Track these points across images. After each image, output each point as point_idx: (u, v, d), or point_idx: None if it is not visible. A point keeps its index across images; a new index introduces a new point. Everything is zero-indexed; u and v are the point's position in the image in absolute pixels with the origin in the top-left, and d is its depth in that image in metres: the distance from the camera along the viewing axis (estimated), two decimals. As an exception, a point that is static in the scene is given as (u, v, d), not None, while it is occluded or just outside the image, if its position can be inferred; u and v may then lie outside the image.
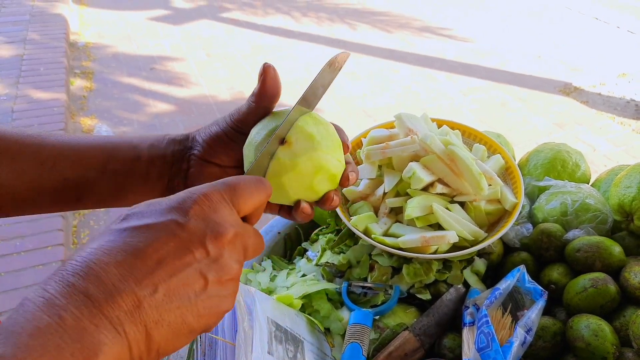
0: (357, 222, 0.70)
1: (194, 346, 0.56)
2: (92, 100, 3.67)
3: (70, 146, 0.47)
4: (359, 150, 0.79)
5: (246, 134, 0.47)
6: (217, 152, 0.48)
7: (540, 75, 4.01)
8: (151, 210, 0.32)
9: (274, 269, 0.80)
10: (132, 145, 0.48)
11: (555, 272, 0.68)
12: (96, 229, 2.52)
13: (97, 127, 3.28)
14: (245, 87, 3.82)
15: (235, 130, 0.48)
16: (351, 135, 0.81)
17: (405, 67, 4.12)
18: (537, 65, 4.15)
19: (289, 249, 0.88)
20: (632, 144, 3.17)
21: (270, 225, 0.87)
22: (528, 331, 0.59)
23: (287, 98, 3.71)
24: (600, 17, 5.13)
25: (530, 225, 0.75)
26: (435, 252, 0.66)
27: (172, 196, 0.33)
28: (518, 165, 0.90)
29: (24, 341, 0.25)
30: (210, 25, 4.90)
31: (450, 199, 0.72)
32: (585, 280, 0.64)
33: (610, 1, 5.42)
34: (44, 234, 2.26)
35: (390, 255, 0.73)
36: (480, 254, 0.73)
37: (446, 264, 0.72)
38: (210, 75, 4.01)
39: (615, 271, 0.65)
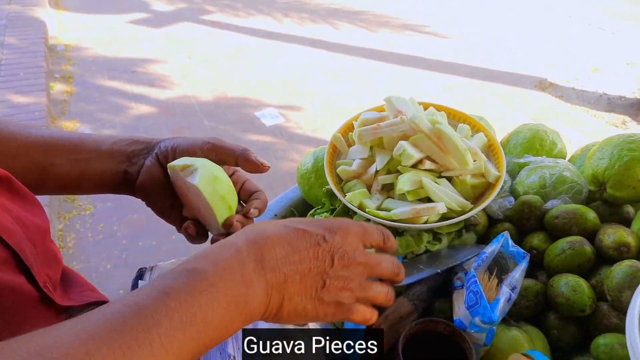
0: (352, 198, 0.74)
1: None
2: (73, 104, 3.64)
3: (44, 137, 0.55)
4: (350, 133, 0.84)
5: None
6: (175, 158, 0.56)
7: (517, 71, 4.12)
8: (312, 222, 0.44)
9: (272, 248, 0.84)
10: (98, 140, 0.57)
11: (536, 239, 0.74)
12: (82, 232, 2.51)
13: (79, 131, 3.26)
14: (228, 88, 3.84)
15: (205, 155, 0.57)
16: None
17: (386, 66, 4.19)
18: (513, 62, 4.27)
19: (285, 230, 0.92)
20: (605, 135, 3.20)
21: (268, 208, 0.91)
22: (513, 289, 0.64)
23: (271, 99, 3.71)
24: (572, 15, 5.29)
25: (512, 199, 0.80)
26: (425, 223, 0.71)
27: (325, 219, 0.45)
28: (499, 146, 0.95)
29: (218, 268, 0.37)
30: (191, 28, 4.91)
31: (438, 174, 0.76)
32: (563, 243, 0.69)
33: (581, 0, 5.60)
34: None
35: (383, 229, 0.78)
36: (467, 225, 0.78)
37: (436, 235, 0.77)
38: (192, 77, 4.02)
39: (591, 235, 0.71)
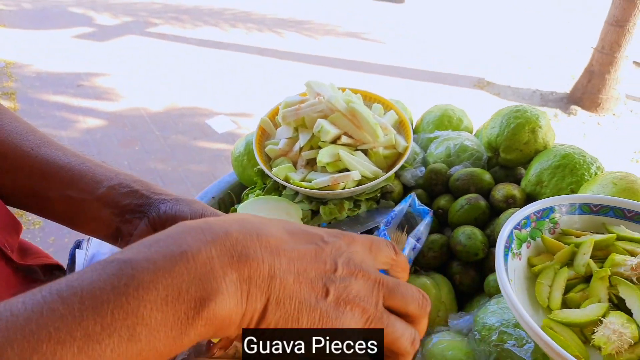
0: (278, 172, 0.82)
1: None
2: (17, 120, 3.55)
3: (47, 160, 0.48)
4: (277, 117, 0.91)
5: None
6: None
7: (457, 72, 4.35)
8: (311, 226, 0.35)
9: (210, 227, 0.90)
10: (97, 179, 0.48)
11: (442, 200, 0.84)
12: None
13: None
14: (178, 99, 3.85)
15: None
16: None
17: (335, 72, 4.33)
18: (453, 65, 4.50)
19: (223, 212, 0.98)
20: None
21: (205, 191, 0.97)
22: (418, 240, 0.73)
23: (221, 107, 3.76)
24: (504, 17, 5.62)
25: (423, 168, 0.90)
26: (344, 189, 0.80)
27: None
28: (416, 125, 1.06)
29: (152, 257, 0.26)
30: (137, 41, 4.89)
31: (355, 148, 0.85)
32: (462, 200, 0.79)
33: (511, 3, 5.96)
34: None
35: (310, 200, 0.86)
36: (384, 193, 0.87)
37: (356, 203, 0.85)
38: (140, 88, 4.01)
39: (487, 193, 0.81)
